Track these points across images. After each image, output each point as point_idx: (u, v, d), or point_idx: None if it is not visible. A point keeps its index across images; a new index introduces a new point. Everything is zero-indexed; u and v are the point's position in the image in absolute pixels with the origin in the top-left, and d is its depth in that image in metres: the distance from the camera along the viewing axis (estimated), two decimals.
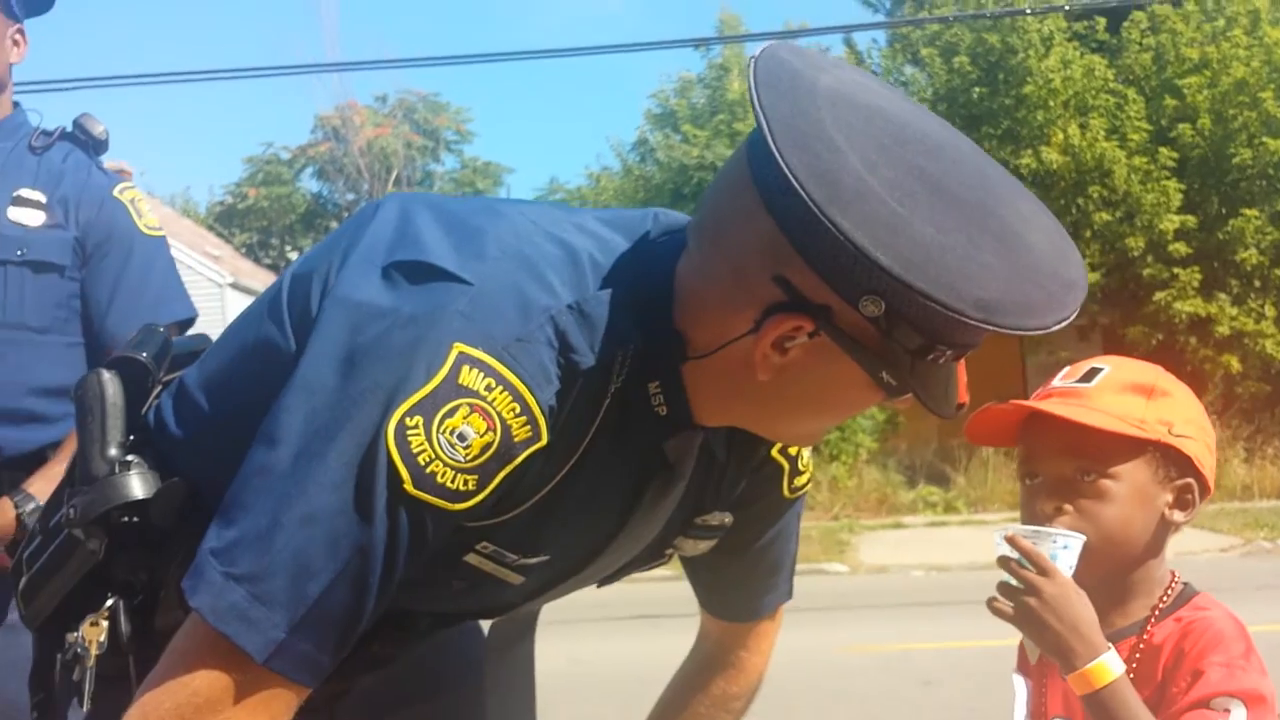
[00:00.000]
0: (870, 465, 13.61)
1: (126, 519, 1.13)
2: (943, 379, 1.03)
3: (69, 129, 2.27)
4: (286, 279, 1.16)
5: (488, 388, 0.96)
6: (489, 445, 0.96)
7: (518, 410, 0.97)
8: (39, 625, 1.23)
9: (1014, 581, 1.19)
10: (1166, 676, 1.23)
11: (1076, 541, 1.19)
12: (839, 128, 0.94)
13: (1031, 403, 1.29)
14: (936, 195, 0.95)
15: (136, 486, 1.13)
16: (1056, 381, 1.32)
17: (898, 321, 0.94)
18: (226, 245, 23.81)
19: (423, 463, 0.95)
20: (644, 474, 1.11)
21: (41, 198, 2.17)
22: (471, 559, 1.09)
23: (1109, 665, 1.16)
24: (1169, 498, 1.28)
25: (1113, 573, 1.27)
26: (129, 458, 1.16)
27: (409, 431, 0.95)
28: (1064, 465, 1.27)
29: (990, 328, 0.94)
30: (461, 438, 0.95)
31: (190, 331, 2.15)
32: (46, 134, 2.25)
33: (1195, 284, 13.94)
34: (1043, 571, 1.17)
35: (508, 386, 0.96)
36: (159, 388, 1.25)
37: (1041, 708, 1.34)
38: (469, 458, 0.96)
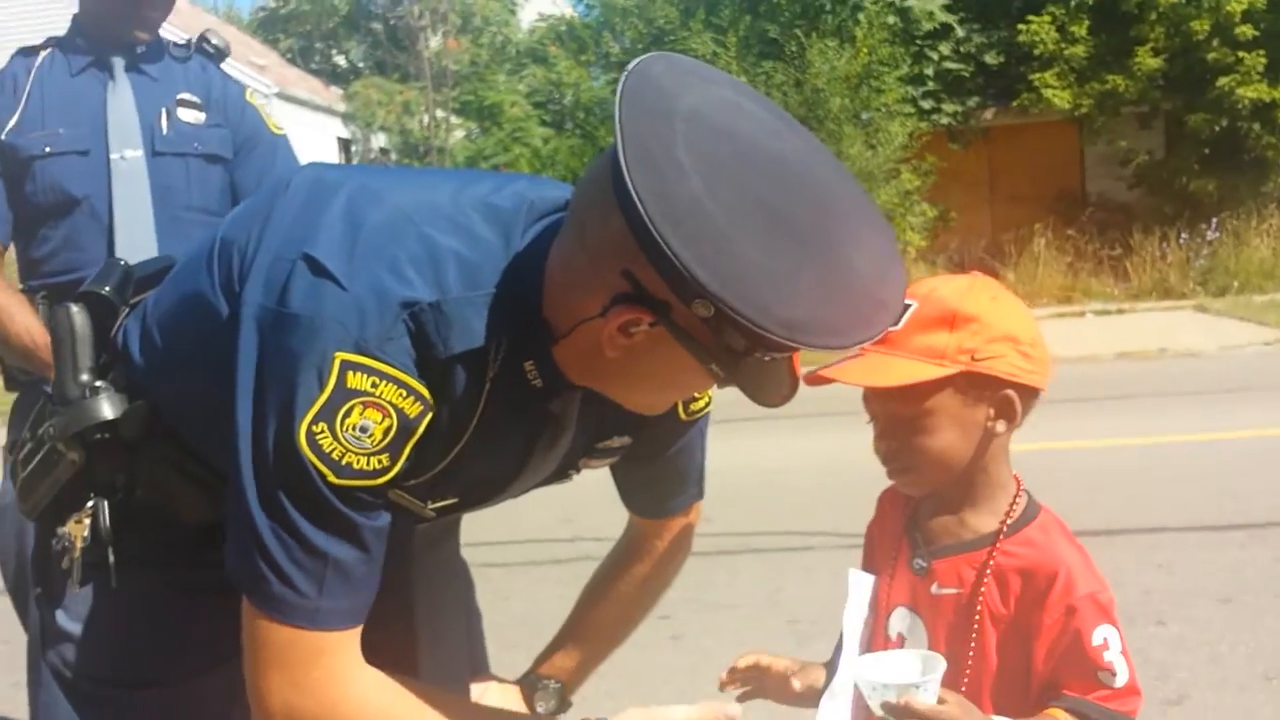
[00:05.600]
0: (919, 263, 13.60)
1: (99, 435, 1.32)
2: (770, 373, 1.16)
3: (197, 40, 2.61)
4: (219, 238, 1.29)
5: (373, 385, 1.15)
6: (390, 429, 1.16)
7: (405, 394, 1.16)
8: (36, 517, 1.42)
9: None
10: (1025, 609, 1.33)
11: (936, 669, 1.25)
12: (689, 149, 1.06)
13: (829, 373, 1.36)
14: (770, 219, 1.06)
15: (106, 409, 1.32)
16: None
17: (724, 325, 1.06)
18: (271, 53, 23.64)
19: (337, 457, 1.15)
20: (535, 428, 1.31)
21: (198, 100, 2.51)
22: (393, 495, 1.26)
23: None
24: (990, 411, 1.35)
25: (950, 485, 1.39)
26: (98, 383, 1.34)
27: (318, 437, 1.14)
28: (886, 407, 1.37)
29: (794, 345, 1.06)
30: (364, 430, 1.15)
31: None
32: (179, 45, 2.58)
33: (1260, 69, 13.44)
34: None
35: (390, 379, 1.15)
36: (127, 309, 1.41)
37: (886, 599, 1.43)
38: (375, 443, 1.16)
